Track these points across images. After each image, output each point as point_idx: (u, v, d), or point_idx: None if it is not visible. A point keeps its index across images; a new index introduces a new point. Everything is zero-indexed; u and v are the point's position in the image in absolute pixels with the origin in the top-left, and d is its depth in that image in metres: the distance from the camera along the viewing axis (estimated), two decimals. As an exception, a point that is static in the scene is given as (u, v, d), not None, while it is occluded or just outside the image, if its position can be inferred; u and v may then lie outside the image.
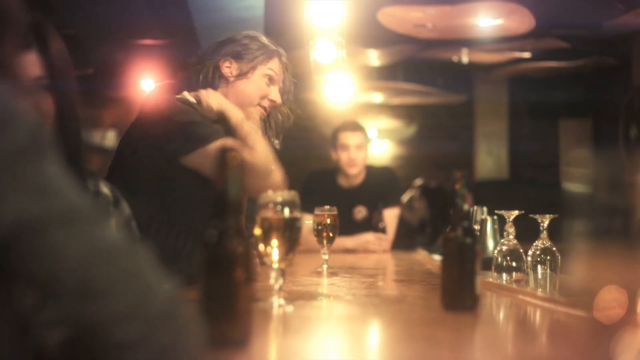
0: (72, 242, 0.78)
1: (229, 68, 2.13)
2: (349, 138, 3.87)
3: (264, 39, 2.20)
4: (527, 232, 1.92)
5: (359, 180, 3.92)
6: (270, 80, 2.17)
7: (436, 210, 5.27)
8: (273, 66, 2.17)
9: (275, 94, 2.18)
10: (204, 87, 2.08)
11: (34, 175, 0.78)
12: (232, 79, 2.12)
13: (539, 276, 1.78)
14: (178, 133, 1.93)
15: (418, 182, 5.54)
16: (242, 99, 2.12)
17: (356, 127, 3.97)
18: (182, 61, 2.22)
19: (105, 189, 1.49)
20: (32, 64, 1.27)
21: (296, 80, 2.30)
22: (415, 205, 5.34)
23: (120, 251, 0.82)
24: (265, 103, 2.17)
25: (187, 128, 1.93)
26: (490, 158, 6.87)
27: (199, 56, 2.16)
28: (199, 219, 1.74)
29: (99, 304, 0.78)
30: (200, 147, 1.91)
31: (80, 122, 1.36)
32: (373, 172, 3.99)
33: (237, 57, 2.13)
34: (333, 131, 4.02)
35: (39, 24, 1.29)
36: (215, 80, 2.11)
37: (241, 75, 2.13)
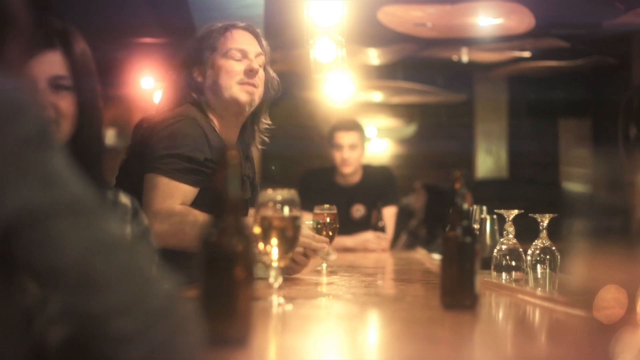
0: (74, 233, 0.79)
1: (199, 74, 2.08)
2: (343, 138, 3.88)
3: (215, 24, 2.11)
4: (526, 231, 1.92)
5: (355, 178, 3.93)
6: (241, 54, 2.07)
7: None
8: (234, 39, 2.07)
9: (248, 65, 2.06)
10: (193, 99, 2.05)
11: (39, 165, 0.79)
12: (202, 80, 2.07)
13: (539, 275, 1.78)
14: (158, 154, 1.91)
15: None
16: (218, 90, 2.06)
17: (351, 127, 3.97)
18: (173, 66, 2.18)
19: (124, 199, 1.51)
20: (54, 63, 1.32)
21: (269, 46, 2.19)
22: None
23: (122, 245, 0.83)
24: (245, 79, 2.05)
25: (179, 155, 1.91)
26: (489, 157, 6.87)
27: (181, 63, 2.11)
28: None
29: (98, 295, 0.79)
30: (151, 172, 1.90)
31: (102, 123, 1.38)
32: (370, 171, 4.00)
33: (199, 60, 2.07)
34: (329, 130, 4.03)
35: (64, 28, 1.35)
36: (196, 91, 2.07)
37: (207, 70, 2.07)
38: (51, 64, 1.32)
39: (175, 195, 1.89)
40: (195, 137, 1.96)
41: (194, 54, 2.10)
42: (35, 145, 0.79)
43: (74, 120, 1.33)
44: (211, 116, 2.09)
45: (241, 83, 2.05)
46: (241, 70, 2.06)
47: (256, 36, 2.14)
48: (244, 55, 2.08)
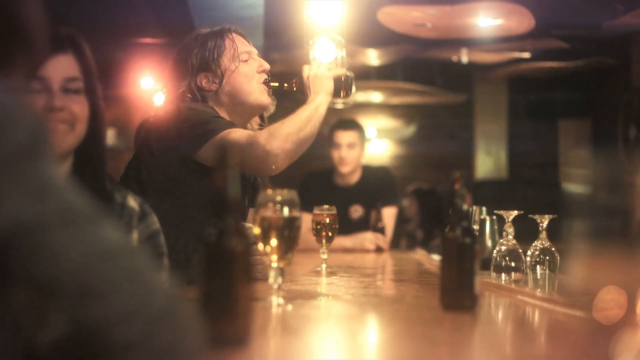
0: (71, 243, 0.78)
1: (208, 82, 2.10)
2: (341, 136, 3.88)
3: (203, 30, 2.16)
4: (526, 232, 1.92)
5: (354, 179, 3.92)
6: (248, 55, 2.12)
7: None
8: (238, 42, 2.12)
9: (260, 64, 2.13)
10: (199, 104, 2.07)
11: (32, 176, 0.78)
12: (217, 87, 2.09)
13: (538, 276, 1.78)
14: (190, 131, 1.94)
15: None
16: (241, 96, 2.11)
17: (349, 126, 3.97)
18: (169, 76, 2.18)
19: (132, 202, 1.49)
20: (67, 65, 1.33)
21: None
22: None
23: (120, 251, 0.82)
24: (261, 79, 2.12)
25: (197, 126, 1.94)
26: (489, 158, 6.87)
27: (179, 73, 2.12)
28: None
29: (99, 304, 0.78)
30: (209, 139, 1.92)
31: (106, 126, 1.42)
32: (369, 172, 4.00)
33: (205, 66, 2.09)
34: (329, 129, 4.03)
35: (72, 32, 1.36)
36: (206, 97, 2.09)
37: (223, 78, 2.09)
38: (64, 66, 1.32)
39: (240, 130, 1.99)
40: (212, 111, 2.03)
41: (194, 62, 2.09)
42: (27, 155, 0.78)
43: (86, 123, 1.35)
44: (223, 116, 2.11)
45: (259, 83, 2.12)
46: (254, 71, 2.11)
47: (245, 37, 2.18)
48: (250, 56, 2.13)
